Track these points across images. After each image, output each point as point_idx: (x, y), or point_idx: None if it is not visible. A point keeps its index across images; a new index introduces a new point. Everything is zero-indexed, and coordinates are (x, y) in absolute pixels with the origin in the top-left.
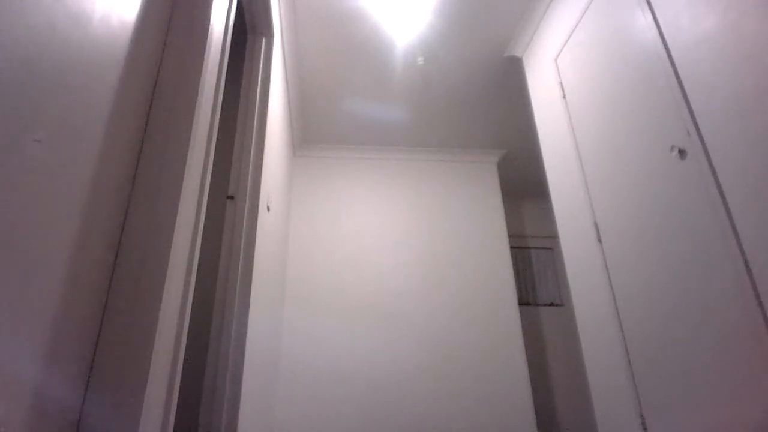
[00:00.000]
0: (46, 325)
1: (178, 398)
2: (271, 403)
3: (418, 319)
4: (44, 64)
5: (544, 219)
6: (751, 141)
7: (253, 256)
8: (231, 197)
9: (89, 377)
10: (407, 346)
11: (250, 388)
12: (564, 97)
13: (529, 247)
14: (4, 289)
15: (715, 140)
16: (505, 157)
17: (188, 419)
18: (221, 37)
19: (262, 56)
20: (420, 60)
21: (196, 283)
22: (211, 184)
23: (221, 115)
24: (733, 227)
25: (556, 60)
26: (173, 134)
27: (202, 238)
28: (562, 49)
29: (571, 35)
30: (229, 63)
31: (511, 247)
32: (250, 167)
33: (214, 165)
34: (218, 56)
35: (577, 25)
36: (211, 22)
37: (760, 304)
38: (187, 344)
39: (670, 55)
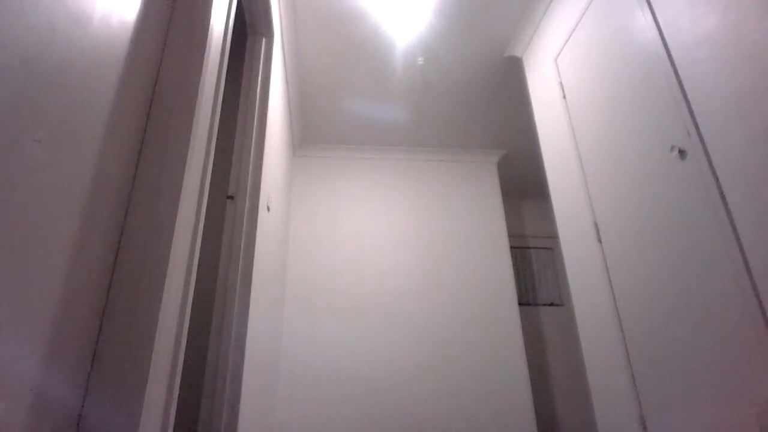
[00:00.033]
0: (46, 325)
1: (178, 398)
2: (271, 403)
3: (418, 319)
4: (44, 64)
5: (544, 219)
6: (751, 141)
7: (253, 256)
8: (231, 197)
9: (89, 377)
10: (407, 346)
11: (250, 388)
12: (564, 97)
13: (529, 247)
14: (4, 289)
15: (715, 140)
16: (505, 157)
17: (188, 419)
18: (221, 37)
19: (262, 56)
20: (420, 60)
21: (196, 283)
22: (211, 184)
23: (221, 115)
24: (733, 227)
25: (556, 60)
26: (173, 134)
27: (202, 238)
28: (562, 49)
29: (571, 35)
30: (229, 63)
31: (511, 247)
32: (250, 167)
33: (214, 165)
34: (218, 56)
35: (577, 25)
36: (211, 22)
37: (760, 304)
38: (187, 344)
39: (670, 55)
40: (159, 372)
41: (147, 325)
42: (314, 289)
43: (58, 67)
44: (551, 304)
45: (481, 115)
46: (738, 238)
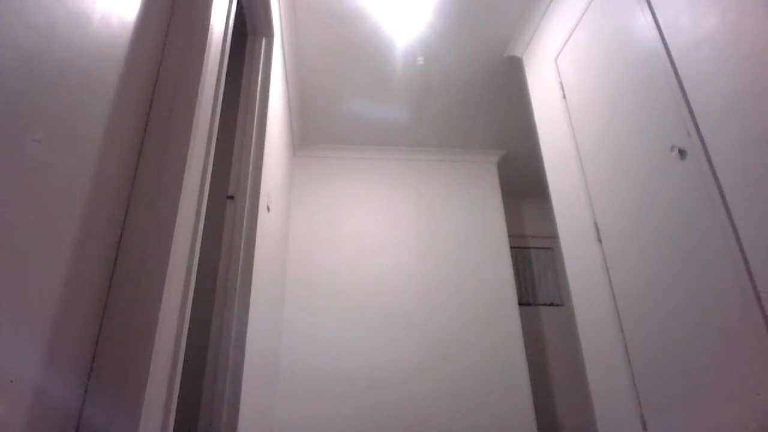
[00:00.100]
0: (46, 325)
1: (178, 398)
2: (271, 403)
3: (418, 319)
4: (44, 64)
5: (544, 219)
6: (751, 141)
7: (253, 256)
8: (231, 197)
9: (89, 377)
10: (407, 346)
11: (250, 388)
12: (564, 97)
13: (529, 247)
14: (4, 289)
15: (715, 140)
16: (505, 157)
17: (188, 419)
18: (221, 37)
19: (262, 56)
20: (420, 60)
21: (196, 283)
22: (211, 184)
23: (221, 115)
24: (733, 227)
25: (556, 60)
26: (173, 134)
27: (202, 238)
28: (562, 49)
29: (571, 35)
30: (229, 63)
31: (511, 247)
32: (250, 167)
33: (214, 165)
34: (218, 56)
35: (577, 25)
36: (211, 22)
37: (760, 304)
38: (187, 344)
39: (670, 55)
40: (159, 372)
41: (147, 325)
42: (314, 289)
43: (58, 67)
44: (551, 304)
45: (481, 115)
46: (738, 238)
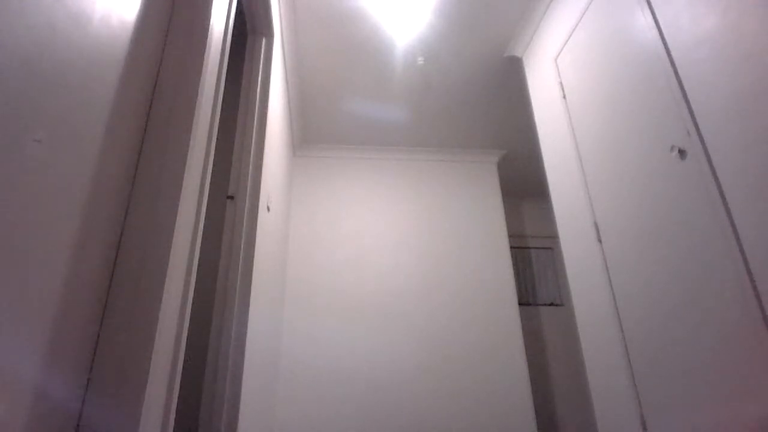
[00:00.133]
0: (46, 325)
1: (178, 398)
2: (271, 403)
3: (418, 319)
4: (44, 64)
5: (544, 219)
6: (751, 141)
7: (253, 256)
8: (231, 197)
9: (89, 377)
10: (407, 346)
11: (250, 388)
12: (564, 97)
13: (529, 247)
14: (4, 289)
15: (715, 140)
16: (505, 157)
17: (188, 419)
18: (221, 37)
19: (262, 56)
20: (420, 60)
21: (196, 283)
22: (211, 184)
23: (221, 115)
24: (733, 227)
25: (556, 60)
26: (173, 134)
27: (202, 238)
28: (562, 49)
29: (571, 35)
30: (229, 63)
31: (511, 247)
32: (250, 167)
33: (214, 165)
34: (218, 56)
35: (577, 25)
36: (211, 23)
37: (760, 304)
38: (187, 344)
39: (670, 55)
40: (159, 372)
41: (147, 325)
42: (314, 289)
43: (58, 67)
44: (551, 304)
45: (481, 115)
46: (738, 238)
